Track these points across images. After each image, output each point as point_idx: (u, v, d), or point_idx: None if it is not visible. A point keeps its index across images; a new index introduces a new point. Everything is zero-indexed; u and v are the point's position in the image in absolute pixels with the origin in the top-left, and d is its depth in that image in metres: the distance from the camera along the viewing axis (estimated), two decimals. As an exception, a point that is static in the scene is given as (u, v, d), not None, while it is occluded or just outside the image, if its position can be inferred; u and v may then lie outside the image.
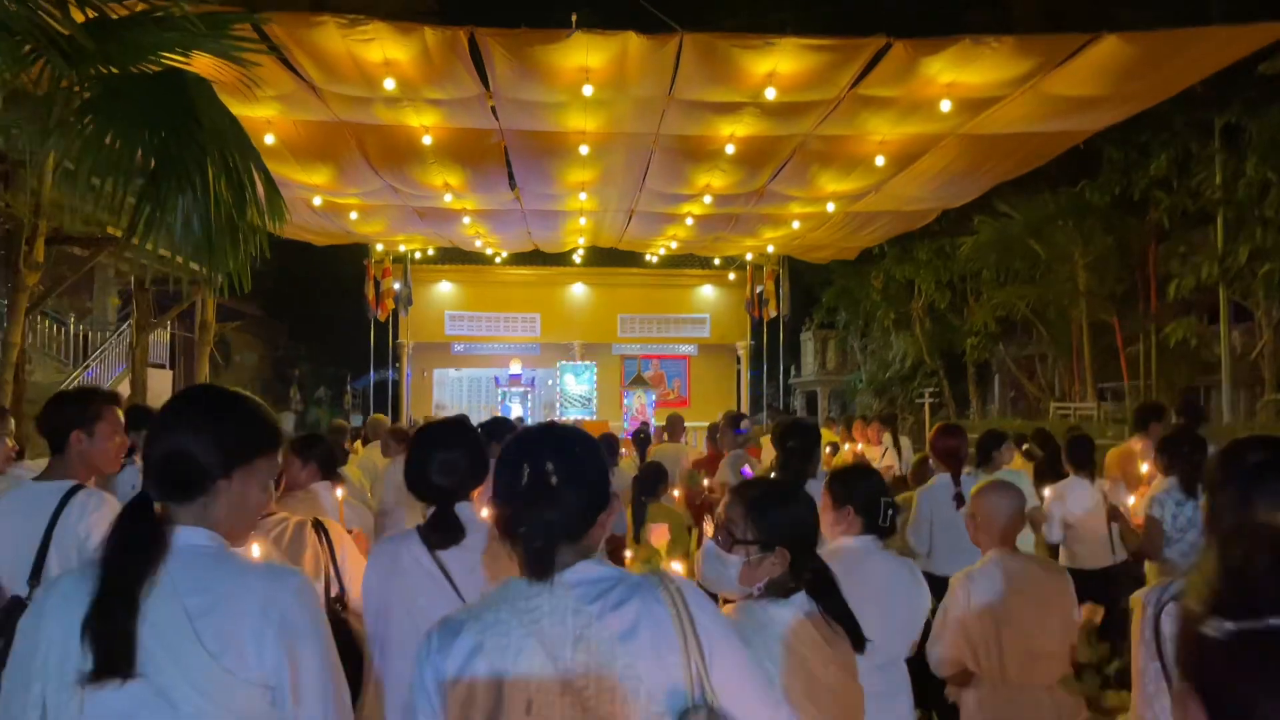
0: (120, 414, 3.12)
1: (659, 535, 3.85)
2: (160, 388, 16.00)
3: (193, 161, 3.69)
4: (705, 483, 6.22)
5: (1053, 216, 13.32)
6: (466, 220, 13.68)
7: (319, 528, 3.02)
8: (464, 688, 1.49)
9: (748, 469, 5.83)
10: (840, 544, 2.85)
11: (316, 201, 11.73)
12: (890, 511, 2.86)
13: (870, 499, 2.87)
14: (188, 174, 3.67)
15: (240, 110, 4.81)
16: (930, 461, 5.29)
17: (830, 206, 12.13)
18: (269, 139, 9.40)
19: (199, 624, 1.56)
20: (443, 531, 2.43)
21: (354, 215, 13.22)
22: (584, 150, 9.77)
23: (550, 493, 1.55)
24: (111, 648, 1.51)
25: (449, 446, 2.55)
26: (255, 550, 2.30)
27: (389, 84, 8.17)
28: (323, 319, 29.30)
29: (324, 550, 2.97)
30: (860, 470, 3.24)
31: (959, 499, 4.57)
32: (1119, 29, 7.50)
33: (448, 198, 11.70)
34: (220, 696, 1.56)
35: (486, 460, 2.54)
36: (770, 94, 8.32)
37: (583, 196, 11.84)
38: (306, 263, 25.45)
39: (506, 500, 1.59)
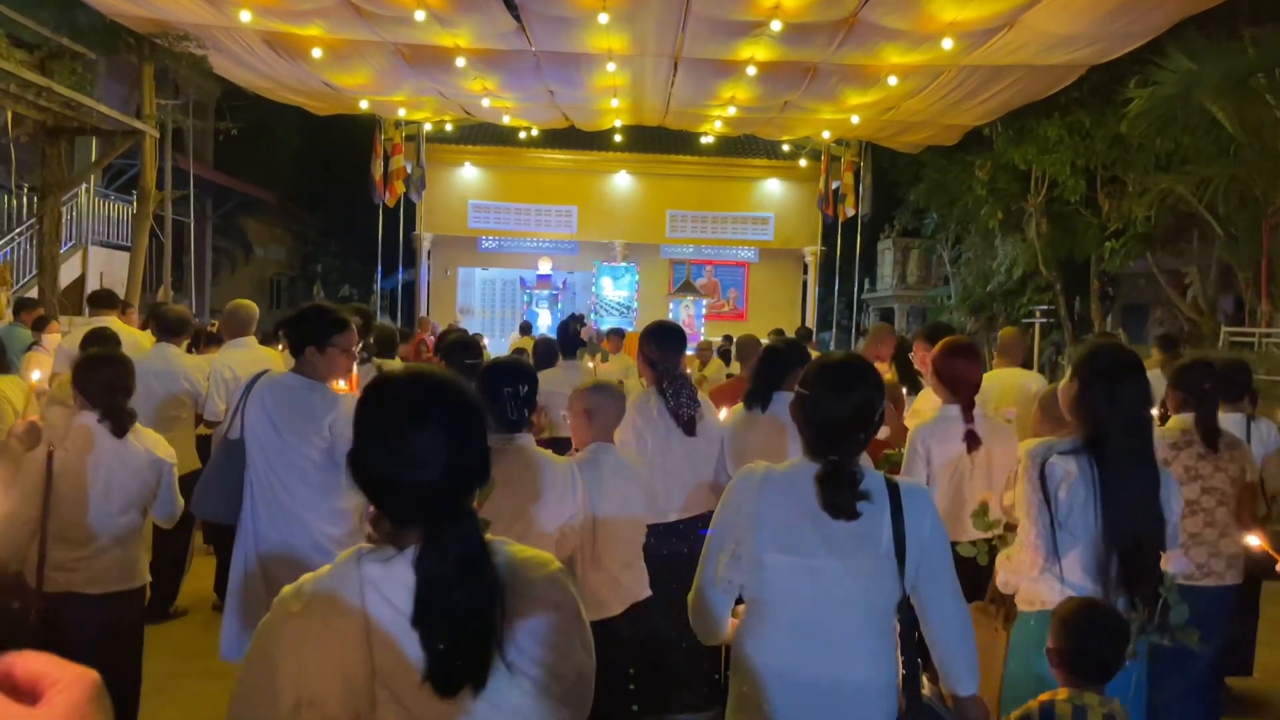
0: None
1: None
2: (115, 271, 13.46)
3: None
4: None
5: (1257, 68, 9.71)
6: (461, 62, 10.59)
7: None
8: None
9: None
10: None
11: (245, 17, 8.73)
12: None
13: None
14: None
15: None
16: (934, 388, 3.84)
17: (946, 42, 8.77)
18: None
19: None
20: None
21: (317, 53, 10.24)
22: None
23: None
24: None
25: None
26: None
27: None
28: (351, 208, 26.62)
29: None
30: None
31: (971, 438, 3.45)
32: None
33: (419, 15, 8.59)
34: None
35: None
36: None
37: (603, 18, 8.65)
38: (332, 142, 22.74)
39: None
